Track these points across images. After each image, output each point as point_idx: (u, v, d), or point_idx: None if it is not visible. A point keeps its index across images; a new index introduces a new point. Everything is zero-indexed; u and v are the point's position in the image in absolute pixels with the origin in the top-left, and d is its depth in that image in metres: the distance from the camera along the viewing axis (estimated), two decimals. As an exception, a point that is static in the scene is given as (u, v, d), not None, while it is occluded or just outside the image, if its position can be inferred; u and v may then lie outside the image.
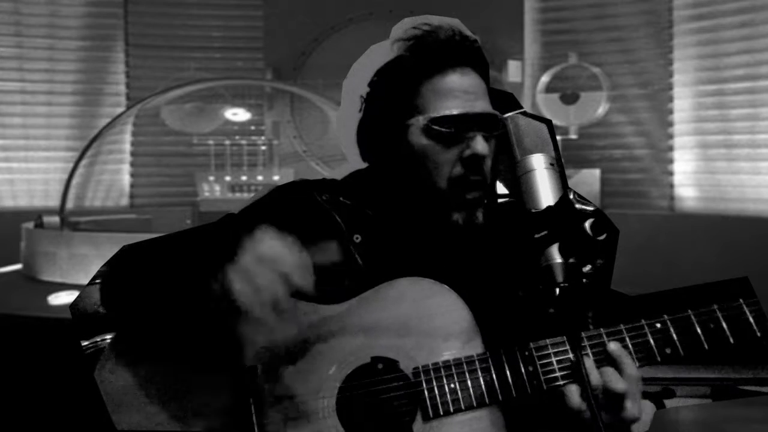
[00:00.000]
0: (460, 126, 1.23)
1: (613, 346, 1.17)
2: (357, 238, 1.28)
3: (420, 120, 1.24)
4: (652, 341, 1.20)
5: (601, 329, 1.20)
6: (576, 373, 1.15)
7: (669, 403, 2.46)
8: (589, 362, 1.16)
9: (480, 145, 1.23)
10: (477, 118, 1.24)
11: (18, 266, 7.08)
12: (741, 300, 1.22)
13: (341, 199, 1.31)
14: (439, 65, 1.25)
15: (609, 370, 1.15)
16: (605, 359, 1.17)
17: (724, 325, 1.21)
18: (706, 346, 1.21)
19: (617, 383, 1.14)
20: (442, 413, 1.16)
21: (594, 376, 1.15)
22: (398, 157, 1.27)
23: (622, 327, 1.20)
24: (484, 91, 1.28)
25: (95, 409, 1.20)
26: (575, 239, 1.12)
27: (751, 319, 1.21)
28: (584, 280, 1.11)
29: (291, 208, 1.31)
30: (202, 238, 1.28)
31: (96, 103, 8.60)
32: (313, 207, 1.30)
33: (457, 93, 1.25)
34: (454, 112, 1.23)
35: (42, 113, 8.39)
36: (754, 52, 7.06)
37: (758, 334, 1.21)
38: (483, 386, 1.17)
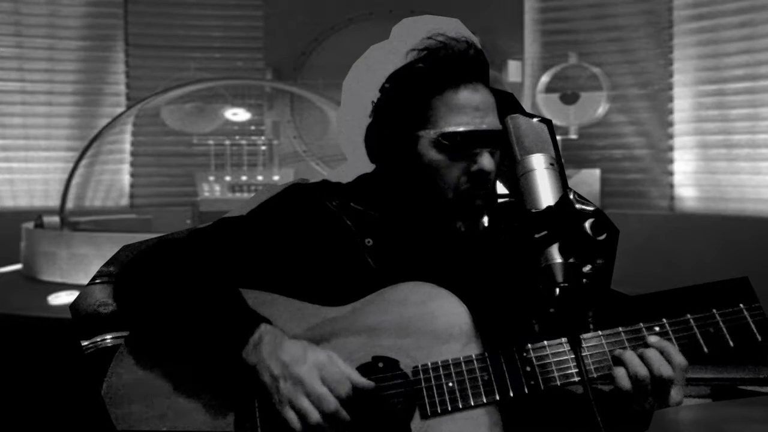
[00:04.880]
0: (468, 142, 1.26)
1: (653, 339, 1.20)
2: (368, 242, 1.31)
3: (430, 133, 1.27)
4: None
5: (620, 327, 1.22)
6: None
7: (669, 403, 2.45)
8: (629, 354, 1.18)
9: (486, 161, 1.26)
10: (485, 135, 1.27)
11: (18, 266, 7.09)
12: (741, 305, 1.23)
13: (351, 204, 1.34)
14: (453, 80, 1.27)
15: (656, 356, 1.17)
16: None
17: (724, 329, 1.21)
18: (705, 350, 1.21)
19: (667, 370, 1.16)
20: (440, 412, 1.17)
21: (636, 365, 1.17)
22: (407, 165, 1.30)
23: (620, 329, 1.21)
24: (493, 107, 1.30)
25: (95, 409, 1.20)
26: (575, 239, 1.12)
27: (752, 324, 1.22)
28: (584, 280, 1.12)
29: (302, 214, 1.33)
30: (217, 245, 1.30)
31: (96, 103, 8.61)
32: (323, 213, 1.33)
33: (468, 109, 1.27)
34: (462, 128, 1.26)
35: (42, 113, 8.40)
36: (754, 52, 7.07)
37: (759, 338, 1.22)
38: (481, 386, 1.18)
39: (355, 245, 1.30)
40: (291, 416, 1.13)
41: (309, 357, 1.15)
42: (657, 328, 1.21)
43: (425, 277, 1.25)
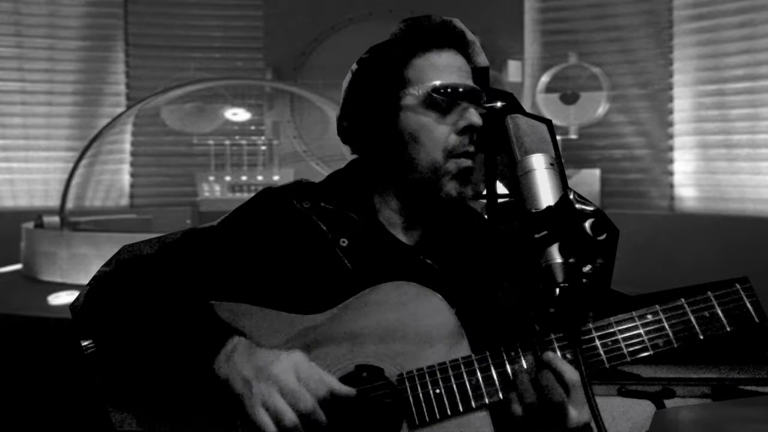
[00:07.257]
0: (461, 95, 1.25)
1: (549, 355, 1.14)
2: (343, 242, 1.26)
3: (419, 91, 1.25)
4: (643, 333, 1.17)
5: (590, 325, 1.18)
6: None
7: (669, 403, 2.45)
8: (523, 375, 1.14)
9: (475, 116, 1.25)
10: (472, 92, 1.26)
11: (18, 266, 7.09)
12: (737, 285, 1.18)
13: (323, 204, 1.29)
14: (435, 41, 1.27)
15: (549, 378, 1.12)
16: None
17: (720, 312, 1.17)
18: (701, 336, 1.17)
19: (556, 393, 1.11)
20: (428, 420, 1.13)
21: (527, 390, 1.12)
22: (388, 133, 1.26)
23: (611, 320, 1.18)
24: (470, 75, 1.30)
25: (95, 409, 1.20)
26: (575, 239, 1.12)
27: (749, 305, 1.17)
28: (584, 280, 1.10)
29: (272, 219, 1.28)
30: (187, 259, 1.25)
31: (96, 103, 8.61)
32: (295, 215, 1.28)
33: (452, 68, 1.27)
34: (457, 82, 1.25)
35: (42, 113, 8.40)
36: (754, 52, 7.07)
37: (757, 320, 1.17)
38: (469, 390, 1.14)
39: (329, 247, 1.25)
40: (264, 420, 1.05)
41: (283, 357, 1.09)
42: (650, 316, 1.18)
43: (406, 276, 1.20)
